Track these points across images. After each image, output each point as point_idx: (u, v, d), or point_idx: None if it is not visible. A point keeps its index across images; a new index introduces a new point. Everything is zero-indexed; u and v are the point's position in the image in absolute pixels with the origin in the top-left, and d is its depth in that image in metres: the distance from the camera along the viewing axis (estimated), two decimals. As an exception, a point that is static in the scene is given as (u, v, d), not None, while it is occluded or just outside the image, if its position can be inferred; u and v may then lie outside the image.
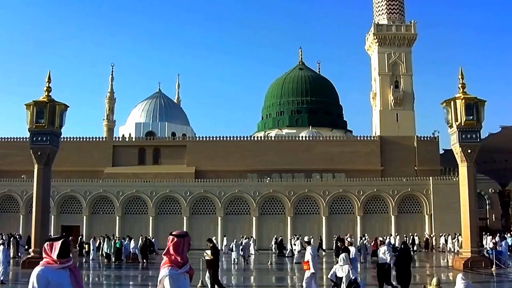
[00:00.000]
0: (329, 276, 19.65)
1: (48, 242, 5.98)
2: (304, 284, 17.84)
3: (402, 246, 21.79)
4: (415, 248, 51.92)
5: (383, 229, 58.07)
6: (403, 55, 76.21)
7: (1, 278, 23.85)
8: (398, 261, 20.15)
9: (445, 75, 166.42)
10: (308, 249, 18.24)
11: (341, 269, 18.42)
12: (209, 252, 20.27)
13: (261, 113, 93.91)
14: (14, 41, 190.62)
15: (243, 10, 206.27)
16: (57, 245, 5.88)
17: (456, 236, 48.98)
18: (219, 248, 36.97)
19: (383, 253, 20.30)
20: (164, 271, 6.10)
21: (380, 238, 33.17)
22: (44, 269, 5.82)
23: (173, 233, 6.29)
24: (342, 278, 18.32)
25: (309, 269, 17.70)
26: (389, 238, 47.95)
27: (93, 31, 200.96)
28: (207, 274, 19.99)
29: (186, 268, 6.17)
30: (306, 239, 19.89)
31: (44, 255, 5.96)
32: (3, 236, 45.24)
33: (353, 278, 17.94)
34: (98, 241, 43.83)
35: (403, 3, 79.94)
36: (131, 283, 28.74)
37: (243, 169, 66.07)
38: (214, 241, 24.28)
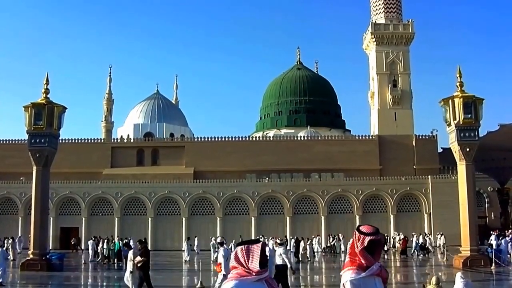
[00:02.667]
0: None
1: (241, 247, 4.71)
2: (216, 286, 17.72)
3: None
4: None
5: (382, 228, 58.02)
6: (401, 54, 76.29)
7: (0, 280, 23.77)
8: None
9: (443, 74, 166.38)
10: (220, 250, 17.99)
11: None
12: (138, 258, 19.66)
13: (259, 113, 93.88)
14: (12, 42, 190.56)
15: (241, 10, 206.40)
16: (256, 250, 4.65)
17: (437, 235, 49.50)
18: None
19: (279, 255, 18.54)
20: (345, 275, 5.25)
21: (401, 236, 32.92)
22: (239, 283, 4.58)
23: (361, 229, 5.31)
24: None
25: (221, 271, 17.47)
26: (417, 237, 48.41)
27: (91, 32, 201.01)
28: (127, 274, 19.44)
29: (373, 271, 5.21)
30: (219, 240, 19.43)
31: (235, 263, 4.69)
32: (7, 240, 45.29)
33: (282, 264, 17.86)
34: (93, 241, 43.44)
35: (400, 2, 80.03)
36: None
37: (242, 169, 66.05)
38: (146, 242, 24.30)
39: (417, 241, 47.75)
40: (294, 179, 63.17)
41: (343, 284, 5.25)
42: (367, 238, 5.18)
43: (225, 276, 17.47)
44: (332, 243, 53.07)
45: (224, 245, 19.08)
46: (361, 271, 5.17)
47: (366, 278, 5.17)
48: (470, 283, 13.37)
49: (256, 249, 4.63)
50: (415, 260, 43.02)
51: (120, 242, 40.87)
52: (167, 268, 37.27)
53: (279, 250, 18.40)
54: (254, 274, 4.58)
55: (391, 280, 25.32)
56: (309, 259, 41.47)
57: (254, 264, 4.58)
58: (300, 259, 41.06)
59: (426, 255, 45.90)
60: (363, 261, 5.18)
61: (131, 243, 39.90)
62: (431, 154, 69.59)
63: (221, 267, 17.60)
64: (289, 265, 18.10)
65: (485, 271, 29.12)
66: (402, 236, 48.71)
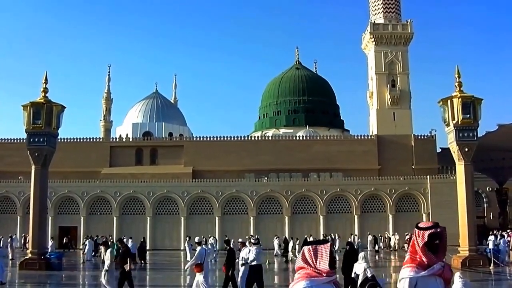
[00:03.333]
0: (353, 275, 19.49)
1: (309, 247, 4.59)
2: (194, 285, 17.69)
3: (348, 247, 19.74)
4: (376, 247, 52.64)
5: (381, 228, 58.14)
6: (399, 54, 76.33)
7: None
8: (345, 263, 18.22)
9: (441, 74, 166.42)
10: (197, 250, 17.94)
11: (358, 267, 18.26)
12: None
13: (258, 112, 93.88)
14: (10, 41, 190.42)
15: (240, 9, 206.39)
16: (325, 250, 4.52)
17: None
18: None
19: (252, 253, 18.19)
20: (403, 272, 5.02)
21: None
22: (310, 283, 4.42)
23: (419, 225, 5.10)
24: (359, 275, 18.17)
25: (200, 271, 17.44)
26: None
27: (90, 32, 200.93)
28: (103, 272, 19.33)
29: (434, 270, 4.92)
30: (196, 239, 19.35)
31: (302, 263, 4.56)
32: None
33: (370, 275, 17.73)
34: (90, 240, 43.33)
35: (399, 2, 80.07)
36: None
37: (241, 169, 66.05)
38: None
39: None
40: (292, 178, 63.18)
41: (399, 280, 5.04)
42: (427, 232, 4.97)
43: (204, 277, 17.44)
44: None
45: (202, 245, 18.99)
46: (421, 270, 4.92)
47: (426, 278, 4.90)
48: (468, 283, 13.39)
49: (325, 249, 4.48)
50: None
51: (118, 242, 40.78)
52: (166, 268, 37.29)
53: (252, 250, 18.30)
54: (324, 275, 4.43)
55: (391, 280, 25.33)
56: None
57: (324, 265, 4.44)
58: (289, 259, 41.03)
59: None
60: (424, 259, 4.93)
61: (130, 242, 40.10)
62: (430, 154, 69.65)
63: (200, 268, 17.46)
64: (255, 263, 18.15)
65: (484, 271, 29.14)
66: (409, 236, 48.92)
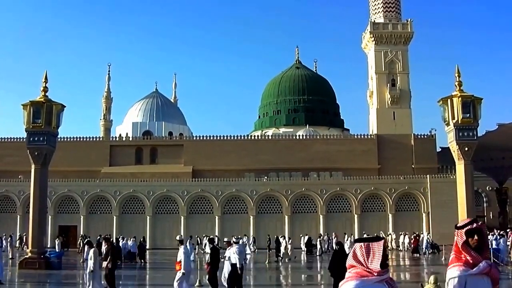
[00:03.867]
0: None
1: (361, 244, 4.35)
2: (175, 284, 17.66)
3: (337, 247, 19.36)
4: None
5: (380, 227, 58.10)
6: (399, 53, 76.37)
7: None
8: (333, 263, 17.92)
9: (441, 73, 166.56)
10: (181, 248, 17.84)
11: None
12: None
13: (258, 112, 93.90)
14: (10, 40, 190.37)
15: (240, 9, 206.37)
16: (377, 249, 4.27)
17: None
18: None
19: (233, 253, 18.27)
20: (450, 272, 4.82)
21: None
22: (360, 283, 4.20)
23: (457, 225, 4.92)
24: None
25: (181, 269, 17.43)
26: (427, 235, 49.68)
27: (90, 31, 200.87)
28: (87, 271, 19.26)
29: (480, 269, 4.74)
30: (178, 238, 19.33)
31: (353, 262, 4.33)
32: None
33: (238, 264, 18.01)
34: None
35: (399, 1, 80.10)
36: (129, 282, 28.66)
37: (240, 168, 66.05)
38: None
39: (428, 240, 48.22)
40: (292, 178, 63.16)
41: (447, 282, 4.84)
42: (463, 230, 4.81)
43: (184, 274, 17.44)
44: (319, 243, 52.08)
45: (185, 243, 19.00)
46: (469, 268, 4.73)
47: (475, 277, 4.72)
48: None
49: (378, 247, 4.26)
50: (426, 258, 43.43)
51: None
52: (166, 267, 37.23)
53: (233, 249, 18.29)
54: (375, 274, 4.21)
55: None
56: (290, 258, 40.96)
57: (375, 264, 4.22)
58: (282, 257, 40.94)
59: (437, 254, 46.16)
60: (468, 258, 4.75)
61: (130, 241, 40.14)
62: (430, 153, 69.63)
63: (180, 265, 17.42)
64: (238, 265, 18.02)
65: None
66: (415, 235, 49.43)
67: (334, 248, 20.57)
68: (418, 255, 45.29)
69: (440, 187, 58.03)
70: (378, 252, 4.24)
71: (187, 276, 18.00)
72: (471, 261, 4.74)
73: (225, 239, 21.33)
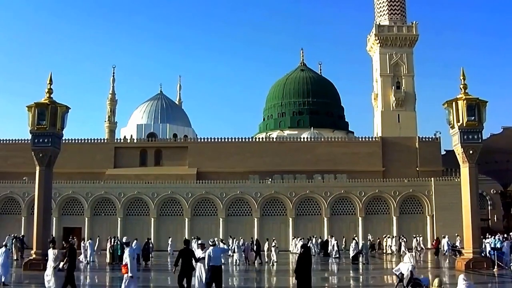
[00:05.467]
0: (394, 271, 20.44)
1: None
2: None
3: (303, 250, 19.17)
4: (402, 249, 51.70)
5: (384, 230, 58.05)
6: (404, 56, 76.34)
7: (3, 280, 23.76)
8: (298, 266, 18.02)
9: (446, 76, 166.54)
10: (126, 251, 17.53)
11: (403, 267, 18.93)
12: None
13: (263, 114, 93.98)
14: (16, 42, 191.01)
15: (245, 11, 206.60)
16: None
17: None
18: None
19: (205, 255, 18.23)
20: None
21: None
22: None
23: None
24: (404, 275, 18.88)
25: (127, 272, 17.03)
26: (449, 238, 49.53)
27: (95, 33, 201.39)
28: (47, 272, 19.27)
29: None
30: (124, 239, 19.09)
31: None
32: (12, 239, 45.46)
33: (413, 276, 18.50)
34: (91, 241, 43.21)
35: (404, 4, 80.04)
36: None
37: (245, 170, 66.06)
38: (72, 242, 24.60)
39: (448, 242, 48.12)
40: (297, 180, 63.10)
41: None
42: None
43: (132, 278, 17.04)
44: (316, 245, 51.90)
45: (131, 245, 18.78)
46: None
47: None
48: (472, 285, 13.41)
49: None
50: (447, 260, 43.29)
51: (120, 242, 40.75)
52: (169, 269, 37.25)
53: (208, 251, 18.19)
54: None
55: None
56: (276, 261, 39.92)
57: None
58: (267, 260, 40.59)
59: (458, 255, 45.95)
60: None
61: (134, 243, 40.05)
62: (434, 156, 69.47)
63: (127, 268, 17.04)
64: (205, 266, 18.01)
65: (488, 273, 29.10)
66: (434, 237, 49.74)
67: (299, 251, 20.40)
68: (436, 257, 45.31)
69: (445, 190, 57.94)
70: None
71: (135, 279, 17.50)
72: None
73: (199, 242, 21.27)
